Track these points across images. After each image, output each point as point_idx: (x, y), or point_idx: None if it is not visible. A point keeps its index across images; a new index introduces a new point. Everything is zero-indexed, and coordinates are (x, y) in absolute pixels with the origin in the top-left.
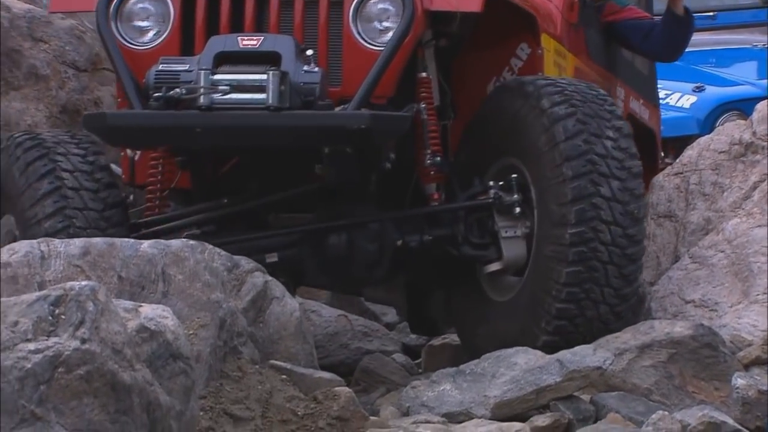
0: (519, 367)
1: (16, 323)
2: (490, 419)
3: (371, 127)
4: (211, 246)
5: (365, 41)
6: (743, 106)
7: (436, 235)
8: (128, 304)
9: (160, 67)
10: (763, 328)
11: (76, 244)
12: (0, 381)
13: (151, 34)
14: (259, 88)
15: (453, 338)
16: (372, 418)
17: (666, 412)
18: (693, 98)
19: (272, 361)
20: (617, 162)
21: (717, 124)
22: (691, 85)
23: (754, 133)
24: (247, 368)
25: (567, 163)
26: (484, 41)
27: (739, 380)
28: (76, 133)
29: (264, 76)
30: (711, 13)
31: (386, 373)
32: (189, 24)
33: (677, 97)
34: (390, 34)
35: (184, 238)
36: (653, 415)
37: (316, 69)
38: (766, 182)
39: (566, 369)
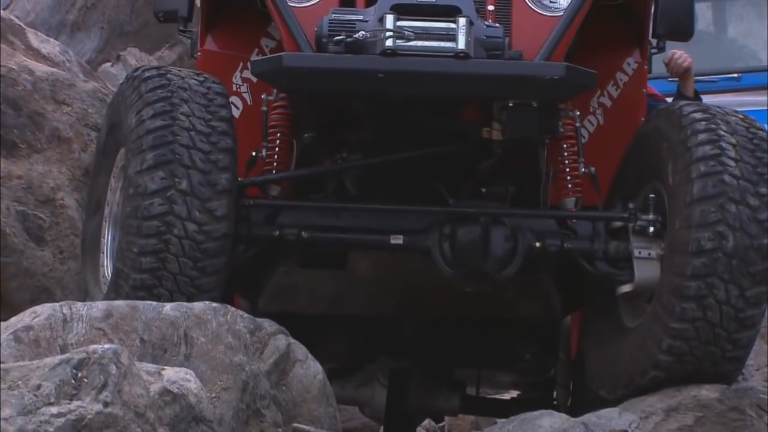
0: (543, 429)
1: (38, 387)
2: None
3: (565, 77)
4: (233, 309)
5: (535, 5)
6: None
7: (575, 246)
8: (151, 367)
9: (333, 16)
10: None
11: (99, 306)
12: None
13: None
14: (447, 36)
15: None
16: None
17: None
18: None
19: (295, 425)
20: (749, 211)
21: None
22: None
23: None
24: (271, 431)
25: (696, 204)
26: (591, 54)
27: None
28: (208, 78)
29: (453, 24)
30: (735, 75)
31: None
32: None
33: None
34: (561, 1)
35: (312, 204)
36: None
37: (497, 24)
38: None
39: None
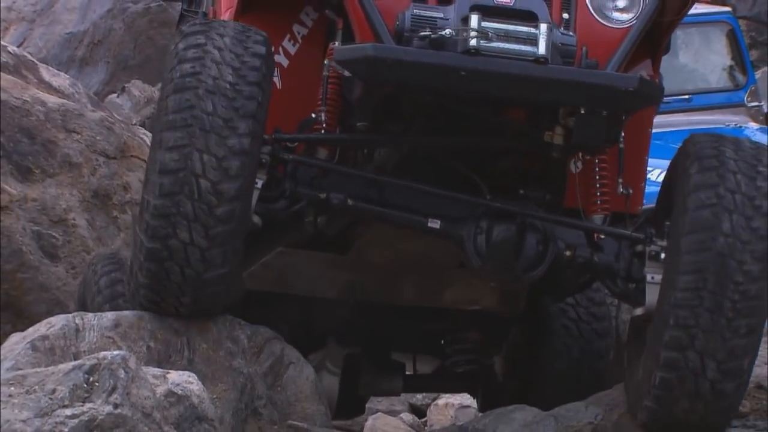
0: (517, 422)
1: (53, 391)
2: None
3: (638, 90)
4: (232, 317)
5: (600, 17)
6: None
7: (602, 261)
8: (156, 371)
9: (414, 11)
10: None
11: (108, 317)
12: None
13: None
14: (529, 40)
15: (456, 398)
16: None
17: None
18: None
19: (290, 422)
20: (748, 244)
21: None
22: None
23: None
24: (267, 428)
25: (688, 235)
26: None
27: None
28: (253, 33)
29: (535, 29)
30: (686, 96)
31: (394, 431)
32: None
33: (657, 173)
34: (623, 14)
35: (362, 173)
36: None
37: (571, 33)
38: None
39: (560, 424)
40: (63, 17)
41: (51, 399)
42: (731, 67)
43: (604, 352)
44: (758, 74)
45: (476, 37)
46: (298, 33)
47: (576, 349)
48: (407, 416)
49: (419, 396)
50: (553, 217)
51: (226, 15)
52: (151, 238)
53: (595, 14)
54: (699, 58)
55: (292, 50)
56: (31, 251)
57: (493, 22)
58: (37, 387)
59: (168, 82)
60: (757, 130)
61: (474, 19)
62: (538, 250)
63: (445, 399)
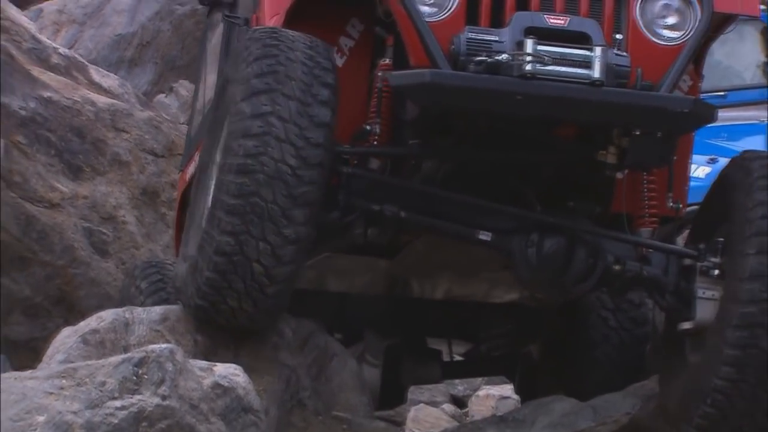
0: (556, 413)
1: (103, 383)
2: None
3: (693, 112)
4: None
5: (651, 35)
6: None
7: (651, 274)
8: (203, 363)
9: (469, 35)
10: None
11: (156, 311)
12: None
13: (435, 8)
14: (584, 63)
15: (496, 389)
16: None
17: None
18: (707, 169)
19: (334, 412)
20: None
21: None
22: (706, 158)
23: None
24: (312, 419)
25: (754, 257)
26: None
27: None
28: (319, 46)
29: (590, 52)
30: (722, 93)
31: (436, 421)
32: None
33: (694, 168)
34: (673, 32)
35: (416, 186)
36: None
37: (625, 54)
38: None
39: (598, 415)
40: (112, 19)
41: (101, 391)
42: (765, 64)
43: (642, 340)
44: None
45: (532, 61)
46: (345, 45)
47: (614, 338)
48: (449, 407)
49: (460, 387)
50: (604, 232)
51: (271, 23)
52: (202, 299)
53: (646, 32)
54: (734, 55)
55: (339, 63)
56: (82, 247)
57: (548, 45)
58: (87, 379)
59: (235, 122)
60: None
61: (529, 44)
62: (588, 264)
63: (485, 390)
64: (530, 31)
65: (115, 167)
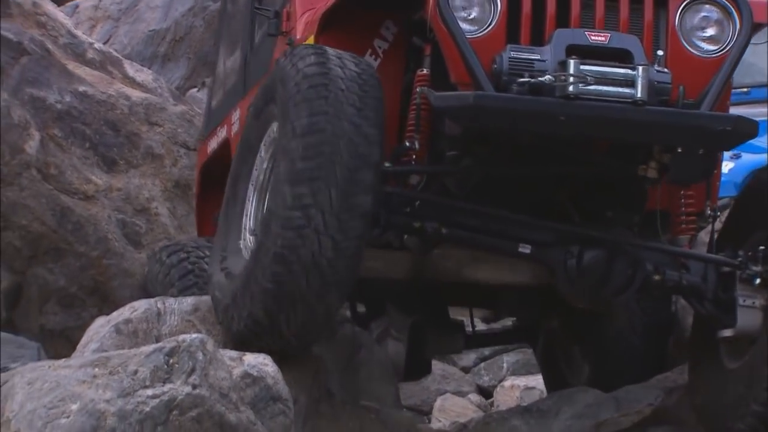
0: (579, 404)
1: (135, 372)
2: None
3: (734, 130)
4: None
5: (692, 48)
6: None
7: (690, 282)
8: (233, 353)
9: (512, 54)
10: None
11: (188, 302)
12: (123, 423)
13: (475, 25)
14: (627, 82)
15: (521, 380)
16: None
17: None
18: (731, 164)
19: (362, 402)
20: None
21: None
22: (729, 153)
23: None
24: (340, 409)
25: None
26: None
27: None
28: (363, 65)
29: (633, 71)
30: (745, 89)
31: (462, 411)
32: (514, 15)
33: None
34: (712, 44)
35: (457, 203)
36: None
37: (666, 69)
38: None
39: (621, 406)
40: (146, 15)
41: (133, 380)
42: None
43: (666, 325)
44: None
45: (575, 82)
46: (379, 48)
47: (638, 324)
48: (474, 397)
49: (486, 378)
50: (644, 244)
51: (302, 21)
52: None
53: (685, 44)
54: (757, 52)
55: (374, 65)
56: (116, 238)
57: (590, 64)
58: (120, 368)
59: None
60: None
61: (572, 65)
62: (628, 275)
63: (511, 381)
64: (572, 49)
65: (149, 160)
